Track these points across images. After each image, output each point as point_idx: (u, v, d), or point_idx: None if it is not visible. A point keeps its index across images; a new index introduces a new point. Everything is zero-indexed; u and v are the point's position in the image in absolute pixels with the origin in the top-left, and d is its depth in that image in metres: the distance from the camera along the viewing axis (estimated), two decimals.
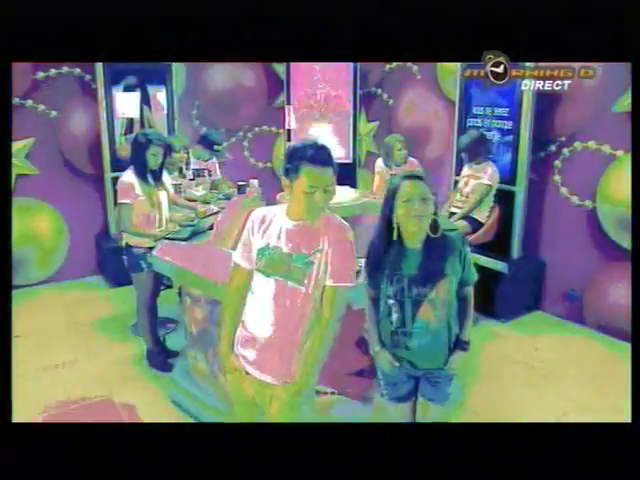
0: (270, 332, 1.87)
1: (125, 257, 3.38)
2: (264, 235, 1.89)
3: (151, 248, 3.21)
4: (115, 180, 4.64)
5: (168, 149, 3.57)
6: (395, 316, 1.97)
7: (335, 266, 1.82)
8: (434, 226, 1.91)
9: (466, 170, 4.20)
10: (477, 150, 4.08)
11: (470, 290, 2.04)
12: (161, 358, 3.49)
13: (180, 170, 4.08)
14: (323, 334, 1.86)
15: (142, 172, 3.26)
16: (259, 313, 1.89)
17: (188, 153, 4.17)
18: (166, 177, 3.71)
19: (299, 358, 1.88)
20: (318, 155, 1.75)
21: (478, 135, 4.14)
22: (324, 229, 1.83)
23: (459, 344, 2.01)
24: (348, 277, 1.86)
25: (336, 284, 1.83)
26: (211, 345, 2.81)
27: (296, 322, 1.87)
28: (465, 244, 1.97)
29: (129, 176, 3.24)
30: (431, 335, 1.96)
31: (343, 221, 1.88)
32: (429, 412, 2.10)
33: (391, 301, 1.96)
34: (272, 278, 1.85)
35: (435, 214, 1.91)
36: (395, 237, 1.92)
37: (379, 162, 4.62)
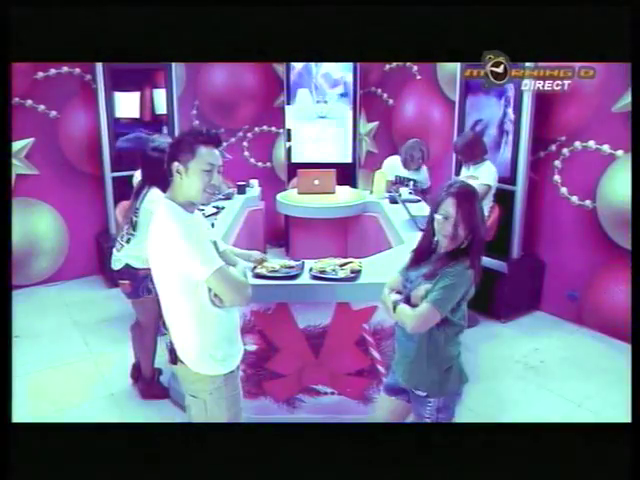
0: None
1: (128, 282, 3.02)
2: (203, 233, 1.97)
3: None
4: (115, 180, 4.68)
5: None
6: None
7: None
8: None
9: (464, 171, 4.19)
10: (473, 151, 4.06)
11: (422, 306, 1.86)
12: (158, 388, 3.24)
13: None
14: None
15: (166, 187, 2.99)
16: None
17: None
18: None
19: None
20: (212, 137, 1.91)
21: (472, 136, 4.12)
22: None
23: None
24: None
25: None
26: None
27: None
28: (455, 277, 1.86)
29: (159, 195, 2.72)
30: (410, 343, 2.02)
31: None
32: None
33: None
34: None
35: (473, 236, 1.89)
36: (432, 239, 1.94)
37: (391, 163, 4.61)
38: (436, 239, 1.93)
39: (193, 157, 1.85)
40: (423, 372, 1.96)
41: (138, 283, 3.01)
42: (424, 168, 4.55)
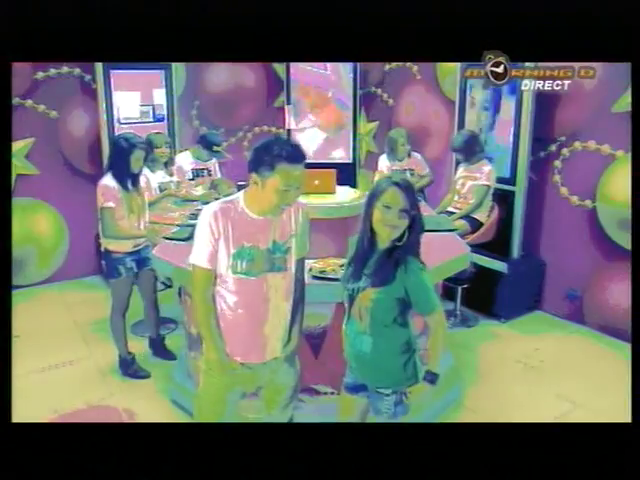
0: (267, 321, 1.93)
1: (104, 262, 3.36)
2: (233, 235, 1.85)
3: (130, 253, 3.25)
4: None
5: (149, 149, 3.55)
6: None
7: (304, 240, 2.01)
8: (401, 235, 1.86)
9: (461, 171, 4.17)
10: (470, 149, 4.05)
11: (432, 319, 1.88)
12: (134, 367, 3.43)
13: (165, 165, 3.92)
14: (303, 296, 2.06)
15: (123, 177, 3.19)
16: (251, 311, 1.92)
17: (171, 149, 4.02)
18: (151, 176, 3.68)
19: (291, 322, 2.03)
20: (295, 153, 1.78)
21: (470, 134, 4.12)
22: (291, 212, 1.94)
23: (427, 375, 1.90)
24: (309, 244, 2.06)
25: (306, 253, 2.04)
26: None
27: (285, 299, 1.97)
28: (423, 273, 1.87)
29: (110, 180, 3.18)
30: (364, 343, 1.91)
31: (298, 200, 1.93)
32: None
33: (345, 292, 1.95)
34: (258, 276, 1.88)
35: (411, 227, 1.85)
36: (370, 234, 1.91)
37: (383, 159, 4.62)
38: (374, 233, 1.89)
39: (272, 173, 1.75)
40: (382, 367, 1.93)
41: (110, 264, 3.28)
42: (415, 154, 4.56)
